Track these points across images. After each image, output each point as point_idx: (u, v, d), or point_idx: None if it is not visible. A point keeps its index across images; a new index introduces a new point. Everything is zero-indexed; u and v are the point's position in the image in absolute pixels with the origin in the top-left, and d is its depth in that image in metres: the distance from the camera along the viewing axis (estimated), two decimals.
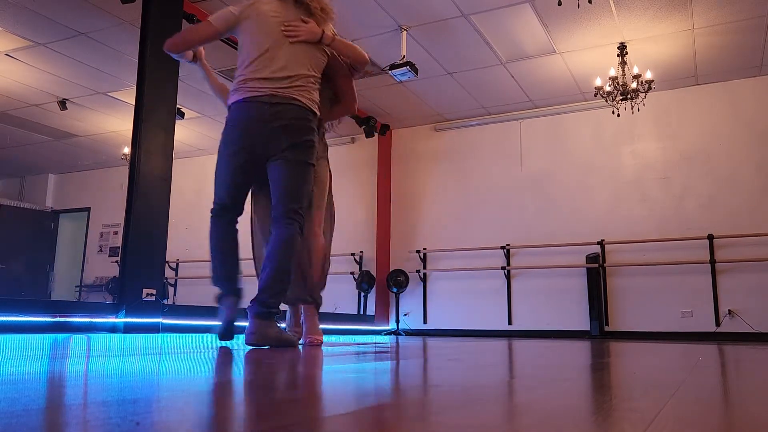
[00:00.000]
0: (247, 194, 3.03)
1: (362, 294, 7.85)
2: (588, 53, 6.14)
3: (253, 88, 2.69)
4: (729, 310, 6.26)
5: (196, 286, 9.34)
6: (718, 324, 6.27)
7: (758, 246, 6.23)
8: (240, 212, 3.03)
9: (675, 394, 1.06)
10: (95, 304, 5.35)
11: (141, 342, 3.18)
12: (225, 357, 2.10)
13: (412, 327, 7.70)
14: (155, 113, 4.53)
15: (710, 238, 6.40)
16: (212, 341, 3.09)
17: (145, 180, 4.37)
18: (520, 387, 1.29)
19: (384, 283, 7.78)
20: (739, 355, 2.79)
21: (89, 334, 3.74)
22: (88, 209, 10.72)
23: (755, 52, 6.10)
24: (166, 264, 5.76)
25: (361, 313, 7.79)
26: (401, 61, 5.82)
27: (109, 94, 7.41)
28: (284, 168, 2.75)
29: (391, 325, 7.76)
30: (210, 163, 9.53)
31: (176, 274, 9.43)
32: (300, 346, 2.72)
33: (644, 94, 5.86)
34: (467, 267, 7.52)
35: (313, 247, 3.03)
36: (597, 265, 6.76)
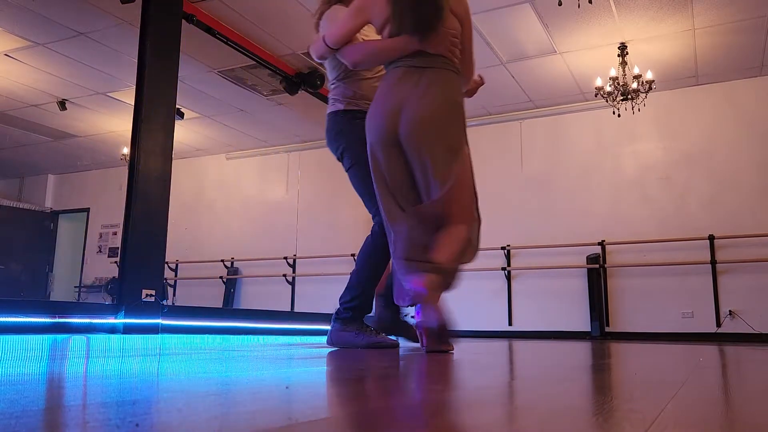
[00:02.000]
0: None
1: None
2: (588, 53, 6.14)
3: None
4: (730, 311, 6.25)
5: (195, 287, 9.35)
6: (718, 325, 6.27)
7: (759, 246, 6.22)
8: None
9: (676, 394, 1.06)
10: (94, 305, 5.35)
11: (140, 343, 3.18)
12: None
13: None
14: (155, 113, 4.52)
15: (711, 238, 6.39)
16: (210, 342, 3.09)
17: (144, 180, 4.37)
18: (521, 387, 1.28)
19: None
20: (739, 355, 2.79)
21: (88, 335, 3.73)
22: (87, 210, 10.73)
23: (756, 53, 6.09)
24: (166, 265, 5.76)
25: None
26: None
27: (108, 94, 7.41)
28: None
29: None
30: (209, 163, 9.60)
31: (176, 275, 9.43)
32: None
33: (645, 94, 5.86)
34: (468, 267, 7.49)
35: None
36: (598, 265, 6.75)
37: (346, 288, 2.77)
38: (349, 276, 2.79)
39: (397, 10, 2.28)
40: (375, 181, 2.39)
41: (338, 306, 2.75)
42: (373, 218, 2.77)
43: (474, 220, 2.48)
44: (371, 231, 2.84)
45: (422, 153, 2.25)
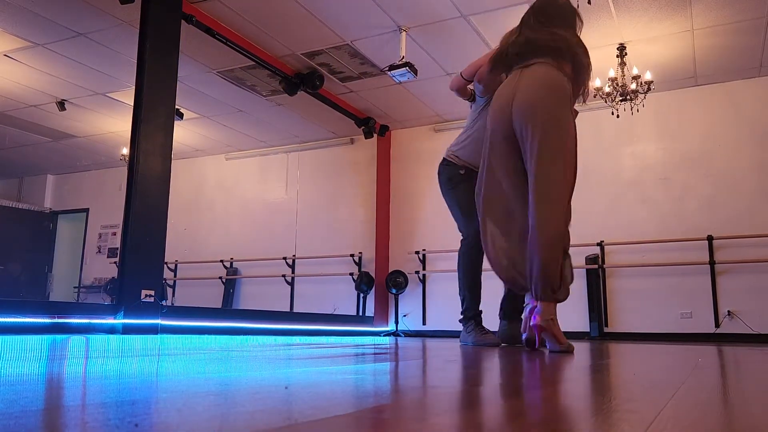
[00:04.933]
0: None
1: (361, 295, 7.85)
2: None
3: None
4: (728, 311, 6.26)
5: (195, 287, 9.35)
6: (717, 325, 6.27)
7: (758, 247, 6.23)
8: None
9: (675, 395, 1.06)
10: (94, 305, 5.35)
11: (140, 343, 3.18)
12: None
13: (412, 328, 7.70)
14: (154, 114, 4.53)
15: (710, 239, 6.40)
16: (209, 342, 3.09)
17: (143, 181, 4.37)
18: (519, 388, 1.29)
19: (383, 284, 7.77)
20: (738, 356, 2.79)
21: (88, 336, 3.73)
22: (86, 210, 10.72)
23: (755, 53, 6.10)
24: (165, 265, 5.75)
25: (360, 314, 7.78)
26: (400, 62, 5.82)
27: (107, 94, 7.41)
28: None
29: (390, 327, 7.76)
30: (209, 163, 9.59)
31: (175, 276, 9.43)
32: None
33: (644, 95, 5.86)
34: None
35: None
36: (596, 266, 6.75)
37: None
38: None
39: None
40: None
41: None
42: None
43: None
44: (461, 242, 3.40)
45: (527, 125, 2.53)
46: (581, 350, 2.94)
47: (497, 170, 2.61)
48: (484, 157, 2.71)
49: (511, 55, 2.79)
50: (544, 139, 2.48)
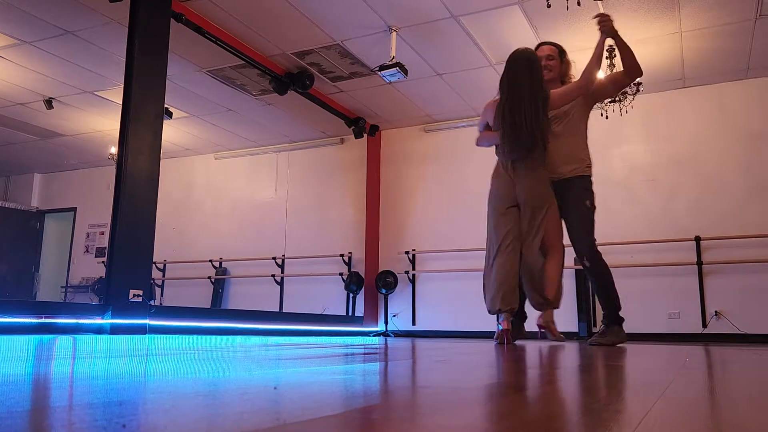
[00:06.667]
0: None
1: (351, 295, 7.84)
2: (576, 55, 6.12)
3: None
4: (716, 312, 6.30)
5: (183, 287, 9.31)
6: (704, 325, 6.32)
7: (745, 248, 6.28)
8: None
9: (663, 395, 1.06)
10: (81, 305, 5.31)
11: (127, 343, 3.16)
12: None
13: (401, 328, 7.70)
14: (143, 113, 4.50)
15: (697, 239, 6.44)
16: (198, 342, 3.08)
17: (132, 180, 4.35)
18: (508, 388, 1.29)
19: (373, 284, 7.77)
20: (725, 356, 2.82)
21: (75, 336, 3.71)
22: (74, 209, 10.64)
23: (742, 56, 6.15)
24: (153, 265, 5.73)
25: (350, 314, 7.78)
26: (390, 62, 5.82)
27: (96, 93, 7.36)
28: None
29: (380, 327, 7.76)
30: (198, 162, 9.59)
31: (163, 275, 9.38)
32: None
33: (632, 96, 5.89)
34: (456, 268, 7.52)
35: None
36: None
37: None
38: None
39: (504, 133, 3.74)
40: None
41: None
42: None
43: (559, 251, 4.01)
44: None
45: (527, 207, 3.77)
46: (570, 350, 2.96)
47: (506, 223, 3.80)
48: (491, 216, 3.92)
49: (505, 149, 3.80)
50: (542, 212, 3.79)
